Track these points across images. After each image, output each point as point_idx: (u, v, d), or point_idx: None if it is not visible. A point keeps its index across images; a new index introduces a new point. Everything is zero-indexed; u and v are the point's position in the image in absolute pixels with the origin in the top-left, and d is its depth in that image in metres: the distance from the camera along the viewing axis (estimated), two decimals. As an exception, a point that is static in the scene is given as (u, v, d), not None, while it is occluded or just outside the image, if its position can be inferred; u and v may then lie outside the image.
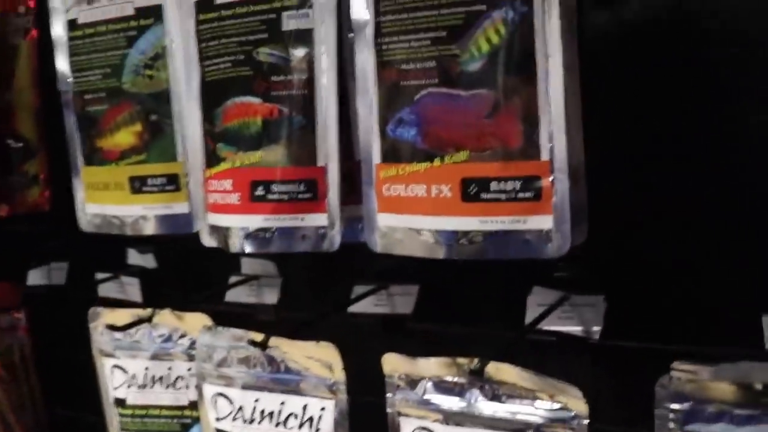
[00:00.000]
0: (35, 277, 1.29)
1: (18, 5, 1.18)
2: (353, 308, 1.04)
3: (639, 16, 0.89)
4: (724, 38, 0.85)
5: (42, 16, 1.15)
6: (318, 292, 1.12)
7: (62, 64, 1.02)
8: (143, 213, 0.98)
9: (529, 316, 0.96)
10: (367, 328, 1.07)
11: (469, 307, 1.04)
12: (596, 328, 0.94)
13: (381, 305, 1.06)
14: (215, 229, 0.90)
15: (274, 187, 0.85)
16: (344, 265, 0.98)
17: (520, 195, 0.76)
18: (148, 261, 1.20)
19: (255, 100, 0.86)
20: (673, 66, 0.86)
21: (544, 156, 0.75)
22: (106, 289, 1.19)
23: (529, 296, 0.98)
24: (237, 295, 1.12)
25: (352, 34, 0.84)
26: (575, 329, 0.96)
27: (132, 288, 1.16)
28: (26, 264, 1.31)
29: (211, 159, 0.89)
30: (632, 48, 0.88)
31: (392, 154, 0.80)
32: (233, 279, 1.12)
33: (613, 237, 0.87)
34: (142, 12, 0.96)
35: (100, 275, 1.20)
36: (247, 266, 1.12)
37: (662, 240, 0.91)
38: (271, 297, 1.11)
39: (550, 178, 0.75)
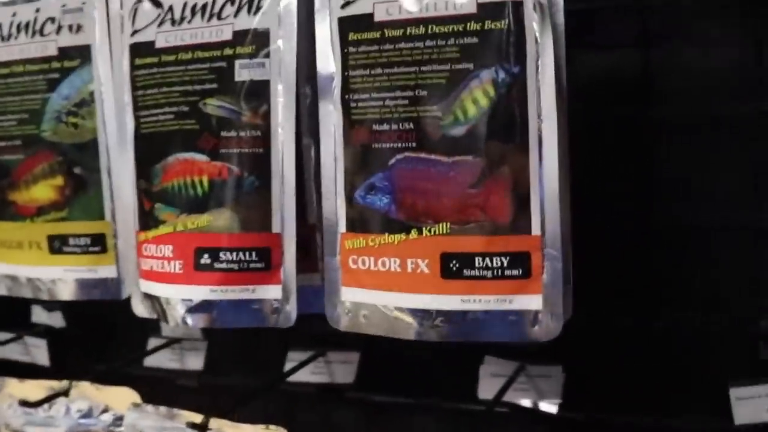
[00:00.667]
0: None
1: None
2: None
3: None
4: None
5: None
6: (247, 357, 1.02)
7: (-31, 106, 0.90)
8: (63, 276, 0.86)
9: (482, 387, 0.92)
10: (303, 398, 0.98)
11: (415, 376, 0.97)
12: (554, 401, 0.89)
13: (319, 374, 0.97)
14: (151, 299, 0.80)
15: (222, 255, 0.76)
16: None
17: (507, 272, 0.68)
18: (55, 320, 1.07)
19: (201, 158, 0.76)
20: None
21: (535, 230, 0.67)
22: (7, 351, 1.06)
23: (482, 366, 0.93)
24: (158, 359, 1.00)
25: (308, 87, 0.74)
26: (531, 401, 0.91)
27: (38, 350, 1.04)
28: None
29: (148, 220, 0.79)
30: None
31: (361, 223, 0.72)
32: (153, 342, 1.01)
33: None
34: (66, 52, 0.85)
35: (3, 336, 1.06)
36: (168, 327, 1.01)
37: (624, 307, 0.88)
38: (195, 362, 1.01)
39: (541, 255, 0.67)
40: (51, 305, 1.06)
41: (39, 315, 1.10)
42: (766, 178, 0.85)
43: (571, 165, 0.71)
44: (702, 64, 0.87)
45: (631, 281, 0.88)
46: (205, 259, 0.77)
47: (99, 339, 1.08)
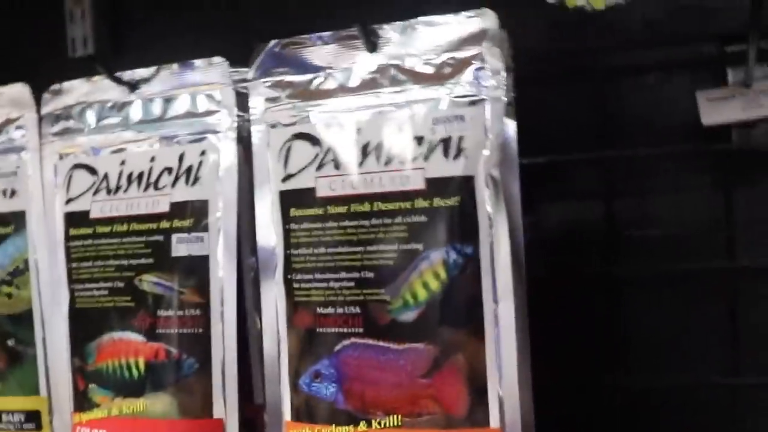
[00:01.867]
0: None
1: None
2: None
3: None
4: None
5: None
6: None
7: None
8: (-6, 456, 0.79)
9: None
10: None
11: None
12: None
13: None
14: (86, 488, 0.73)
15: (160, 443, 0.69)
16: None
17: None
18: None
19: (136, 337, 0.71)
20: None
21: (494, 423, 0.62)
22: None
23: None
24: None
25: (253, 259, 0.68)
26: None
27: None
28: None
29: (82, 402, 0.74)
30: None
31: (306, 412, 0.66)
32: None
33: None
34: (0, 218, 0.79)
35: None
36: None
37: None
38: None
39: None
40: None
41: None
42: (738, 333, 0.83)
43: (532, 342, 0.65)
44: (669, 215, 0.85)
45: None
46: (142, 448, 0.71)
47: None
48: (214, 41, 0.76)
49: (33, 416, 0.80)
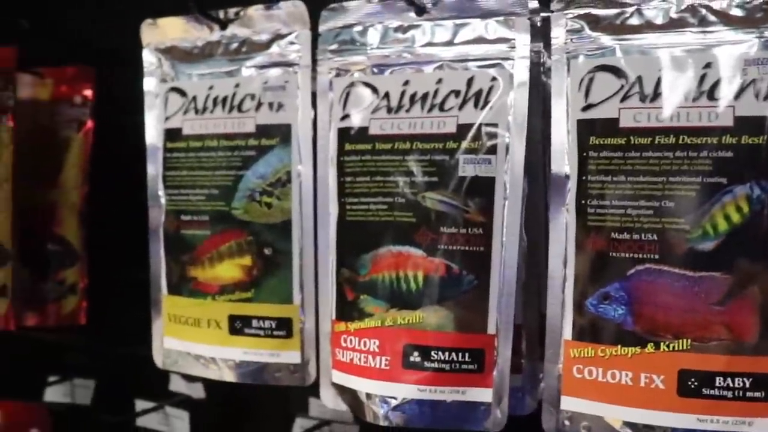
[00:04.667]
0: (55, 394, 1.11)
1: (74, 95, 1.03)
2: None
3: None
4: None
5: (102, 108, 1.00)
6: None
7: (154, 175, 0.88)
8: (242, 357, 0.83)
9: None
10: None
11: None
12: None
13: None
14: (346, 392, 0.77)
15: (434, 354, 0.73)
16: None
17: (749, 394, 0.66)
18: (195, 390, 1.04)
19: (417, 252, 0.73)
20: None
21: (778, 352, 0.64)
22: (144, 420, 1.03)
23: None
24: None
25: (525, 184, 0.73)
26: None
27: (180, 422, 1.00)
28: (44, 378, 1.13)
29: (350, 311, 0.77)
30: None
31: (590, 332, 0.69)
32: (300, 423, 0.98)
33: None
34: (264, 130, 0.82)
35: (140, 403, 1.03)
36: (317, 408, 0.98)
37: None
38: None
39: (788, 379, 0.64)
40: (191, 375, 1.03)
41: (177, 384, 1.06)
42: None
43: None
44: None
45: None
46: (415, 357, 0.75)
47: (240, 415, 1.05)
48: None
49: (284, 323, 0.83)
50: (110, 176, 1.03)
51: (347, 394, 0.79)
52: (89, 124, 1.04)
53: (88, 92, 1.05)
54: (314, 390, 0.83)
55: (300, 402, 0.99)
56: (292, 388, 0.85)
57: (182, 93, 0.87)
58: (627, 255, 0.69)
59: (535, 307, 0.77)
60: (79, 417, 1.13)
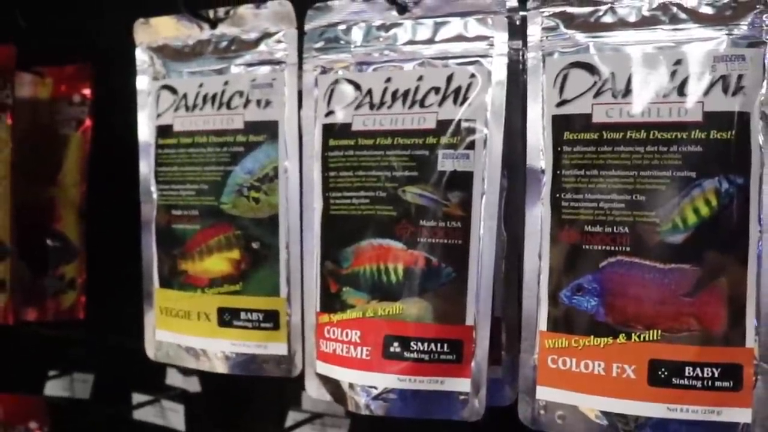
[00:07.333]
0: (54, 388, 1.14)
1: (73, 93, 1.05)
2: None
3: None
4: None
5: (100, 108, 1.02)
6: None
7: (146, 171, 0.90)
8: (231, 349, 0.85)
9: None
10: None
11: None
12: None
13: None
14: (330, 382, 0.79)
15: (413, 345, 0.75)
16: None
17: (718, 384, 0.67)
18: (191, 384, 1.06)
19: (397, 245, 0.75)
20: None
21: (749, 343, 0.67)
22: (140, 413, 1.05)
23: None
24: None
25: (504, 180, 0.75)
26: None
27: (175, 415, 1.02)
28: (44, 372, 1.16)
29: (333, 303, 0.78)
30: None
31: (564, 323, 0.71)
32: (293, 416, 1.00)
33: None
34: (252, 127, 0.84)
35: (137, 397, 1.05)
36: (310, 401, 1.00)
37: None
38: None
39: (753, 368, 0.66)
40: (188, 369, 1.05)
41: (174, 378, 1.08)
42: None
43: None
44: None
45: None
46: (395, 348, 0.76)
47: (234, 408, 1.07)
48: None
49: (271, 315, 0.85)
50: (108, 173, 1.04)
51: (331, 384, 0.80)
52: (87, 122, 1.06)
53: (87, 91, 1.07)
54: (306, 383, 0.84)
55: (293, 395, 1.01)
56: (285, 382, 0.86)
57: (173, 90, 0.89)
58: (599, 247, 0.70)
59: (515, 300, 0.78)
60: (78, 410, 1.15)
